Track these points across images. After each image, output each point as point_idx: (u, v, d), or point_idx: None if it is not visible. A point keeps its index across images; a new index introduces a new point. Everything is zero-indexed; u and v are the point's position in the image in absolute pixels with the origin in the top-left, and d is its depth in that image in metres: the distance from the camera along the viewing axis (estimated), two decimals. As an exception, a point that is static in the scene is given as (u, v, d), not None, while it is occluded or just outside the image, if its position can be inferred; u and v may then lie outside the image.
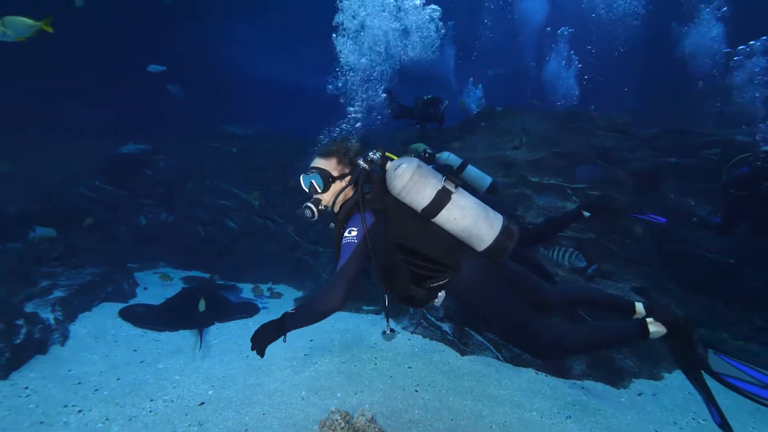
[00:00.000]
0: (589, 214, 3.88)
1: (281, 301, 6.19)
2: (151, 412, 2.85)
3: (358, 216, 1.97)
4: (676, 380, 3.93)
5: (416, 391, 3.29)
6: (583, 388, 3.67)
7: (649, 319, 2.01)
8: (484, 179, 3.99)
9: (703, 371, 1.98)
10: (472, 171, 4.00)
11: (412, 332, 4.56)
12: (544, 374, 3.83)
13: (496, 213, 2.04)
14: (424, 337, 4.44)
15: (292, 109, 21.23)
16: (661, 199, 5.64)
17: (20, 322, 3.49)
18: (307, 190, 2.17)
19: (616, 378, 3.84)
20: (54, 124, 11.13)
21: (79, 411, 2.81)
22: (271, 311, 5.55)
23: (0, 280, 4.60)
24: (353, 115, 6.13)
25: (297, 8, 17.16)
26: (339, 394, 3.17)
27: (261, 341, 1.92)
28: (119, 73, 13.18)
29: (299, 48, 19.42)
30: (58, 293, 4.61)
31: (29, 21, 3.42)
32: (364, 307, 5.30)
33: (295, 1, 17.08)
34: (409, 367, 3.72)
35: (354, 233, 1.94)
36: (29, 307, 4.10)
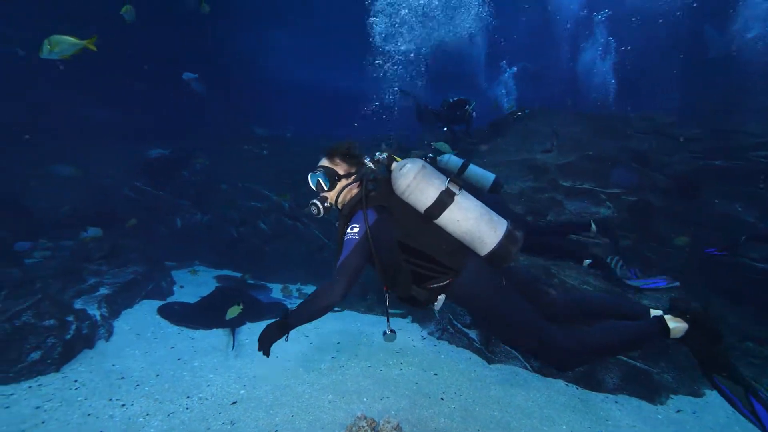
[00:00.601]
0: (595, 228, 3.93)
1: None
2: (187, 408, 3.00)
3: (361, 213, 2.01)
4: (718, 397, 3.71)
5: (442, 399, 3.28)
6: (616, 402, 3.54)
7: (667, 316, 1.93)
8: (487, 177, 3.99)
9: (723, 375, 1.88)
10: (474, 170, 4.01)
11: (438, 338, 4.55)
12: (574, 386, 3.73)
13: (501, 217, 2.03)
14: (450, 343, 4.43)
15: (324, 112, 21.58)
16: (705, 205, 5.35)
17: (71, 318, 3.75)
18: (314, 188, 2.24)
19: (653, 393, 3.68)
20: (91, 130, 11.84)
21: (123, 405, 2.99)
22: (300, 312, 5.68)
23: (54, 277, 4.96)
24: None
25: (329, 12, 17.40)
26: (365, 399, 3.22)
27: (266, 341, 1.97)
28: (154, 78, 13.77)
29: (332, 51, 19.70)
30: (103, 290, 4.91)
31: (73, 40, 3.64)
32: (391, 311, 5.32)
33: (327, 6, 17.32)
34: (435, 374, 3.72)
35: (356, 230, 1.98)
36: (78, 304, 4.40)
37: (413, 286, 2.03)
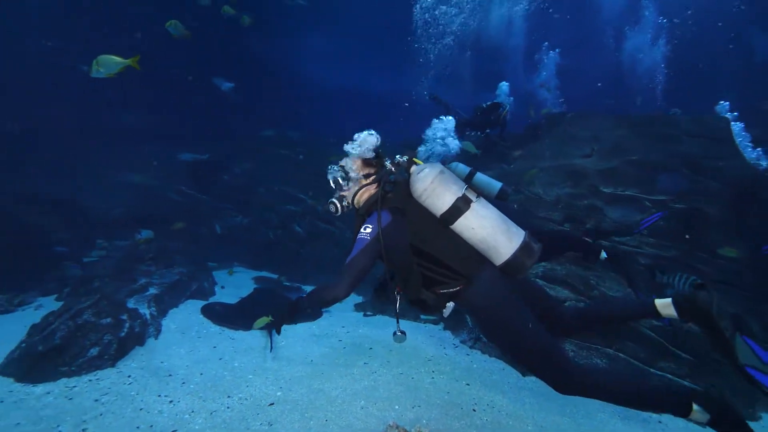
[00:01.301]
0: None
1: (342, 305, 6.41)
2: (228, 408, 3.15)
3: (375, 213, 2.06)
4: (777, 423, 3.46)
5: (474, 410, 3.26)
6: (660, 422, 3.37)
7: (696, 407, 1.88)
8: (493, 185, 3.98)
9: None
10: (480, 178, 4.00)
11: (470, 347, 4.51)
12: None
13: (519, 228, 2.02)
14: (483, 353, 4.38)
15: (364, 115, 21.90)
16: (762, 212, 4.96)
17: (124, 317, 4.05)
18: (333, 187, 2.33)
19: (701, 415, 3.47)
20: (137, 135, 12.68)
21: (170, 401, 3.20)
22: (333, 314, 5.80)
23: (109, 276, 5.36)
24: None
25: (368, 17, 17.59)
26: (397, 407, 3.25)
27: (279, 321, 2.17)
28: (194, 85, 14.47)
29: (371, 56, 19.94)
30: (152, 290, 5.25)
31: (118, 59, 3.91)
32: (423, 317, 5.34)
33: (365, 11, 17.52)
34: (467, 384, 3.69)
35: (368, 230, 2.03)
36: (131, 303, 4.73)
37: (423, 289, 2.06)
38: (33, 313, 4.97)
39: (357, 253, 2.00)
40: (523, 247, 1.94)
